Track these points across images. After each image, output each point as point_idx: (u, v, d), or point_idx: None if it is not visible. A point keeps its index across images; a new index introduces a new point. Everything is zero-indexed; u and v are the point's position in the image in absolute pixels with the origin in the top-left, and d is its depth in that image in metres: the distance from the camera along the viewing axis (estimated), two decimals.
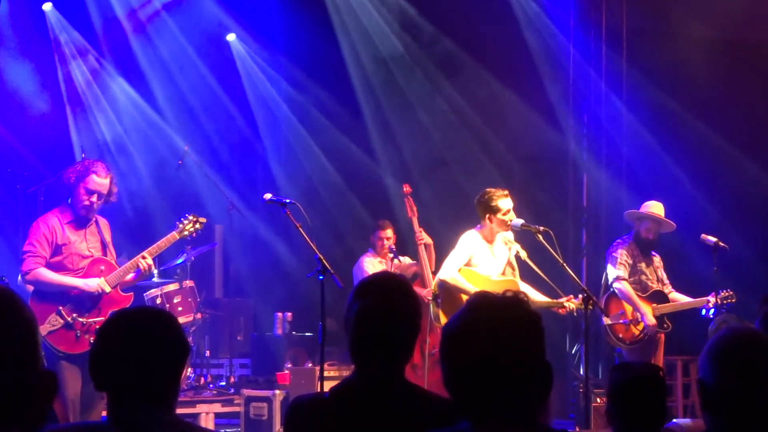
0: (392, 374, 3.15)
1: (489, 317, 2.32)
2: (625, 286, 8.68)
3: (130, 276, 7.12)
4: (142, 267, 7.05)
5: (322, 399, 3.21)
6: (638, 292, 8.74)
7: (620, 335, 8.67)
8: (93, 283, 6.93)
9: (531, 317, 2.34)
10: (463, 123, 11.66)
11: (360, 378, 3.16)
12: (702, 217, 10.27)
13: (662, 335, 8.77)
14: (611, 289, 8.76)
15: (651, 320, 8.59)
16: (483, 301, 2.37)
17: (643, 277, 8.83)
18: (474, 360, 2.30)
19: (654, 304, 8.70)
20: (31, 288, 7.07)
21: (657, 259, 9.01)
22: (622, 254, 8.80)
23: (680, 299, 8.85)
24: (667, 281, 8.98)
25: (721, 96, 10.94)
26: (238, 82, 12.36)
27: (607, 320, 8.63)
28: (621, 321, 8.56)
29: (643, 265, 8.86)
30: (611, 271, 8.80)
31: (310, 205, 9.94)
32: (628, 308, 8.68)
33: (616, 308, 8.70)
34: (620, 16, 11.31)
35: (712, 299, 8.52)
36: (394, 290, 3.20)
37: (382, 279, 3.34)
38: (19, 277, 7.42)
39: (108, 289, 6.95)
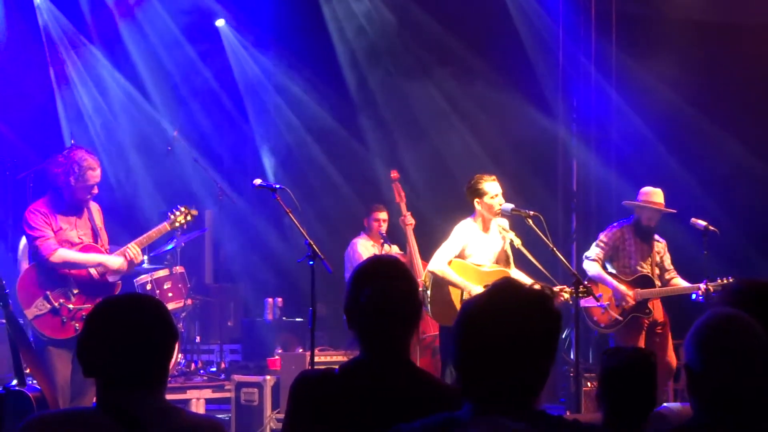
0: (403, 354, 3.19)
1: (513, 304, 2.34)
2: (591, 266, 8.61)
3: None
4: (128, 257, 7.03)
5: (331, 374, 3.21)
6: (624, 275, 8.70)
7: (595, 318, 8.56)
8: (116, 262, 6.94)
9: (555, 313, 2.36)
10: (453, 109, 11.64)
11: (372, 358, 3.17)
12: (692, 201, 10.26)
13: (654, 325, 8.72)
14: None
15: (623, 290, 8.47)
16: (508, 287, 2.38)
17: (632, 261, 8.75)
18: (491, 344, 2.31)
19: (637, 289, 8.59)
20: (26, 265, 7.03)
21: (661, 245, 8.83)
22: (604, 236, 8.75)
23: (679, 284, 8.75)
24: (670, 267, 8.80)
25: (711, 79, 10.93)
26: (227, 67, 12.32)
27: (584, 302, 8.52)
28: (598, 304, 8.31)
29: (635, 250, 8.78)
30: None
31: (299, 190, 9.93)
32: (607, 292, 8.60)
33: (594, 291, 8.59)
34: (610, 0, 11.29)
35: (703, 286, 8.44)
36: (400, 271, 3.25)
37: (386, 261, 3.35)
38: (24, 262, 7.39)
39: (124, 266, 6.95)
